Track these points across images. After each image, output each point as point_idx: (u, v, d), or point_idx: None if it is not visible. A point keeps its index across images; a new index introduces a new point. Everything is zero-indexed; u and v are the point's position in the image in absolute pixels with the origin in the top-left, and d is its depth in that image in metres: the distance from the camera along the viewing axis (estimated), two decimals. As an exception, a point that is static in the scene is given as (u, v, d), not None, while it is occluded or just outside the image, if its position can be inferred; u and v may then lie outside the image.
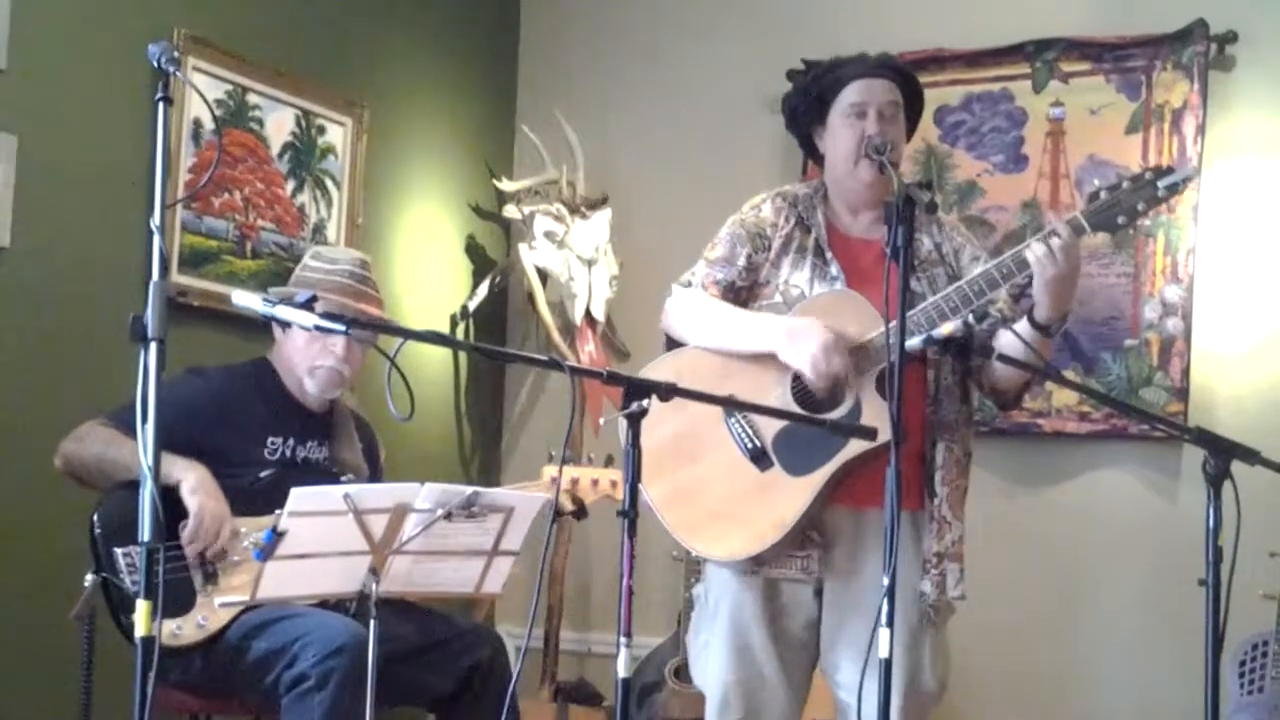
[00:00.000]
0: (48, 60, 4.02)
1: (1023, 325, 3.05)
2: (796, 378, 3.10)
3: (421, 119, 5.52)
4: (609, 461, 3.73)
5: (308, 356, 3.61)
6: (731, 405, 3.04)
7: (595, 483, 3.70)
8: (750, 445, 3.09)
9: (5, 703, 3.82)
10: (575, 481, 3.67)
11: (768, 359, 3.10)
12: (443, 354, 5.57)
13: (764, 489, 3.08)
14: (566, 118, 5.49)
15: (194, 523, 3.27)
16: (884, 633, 2.62)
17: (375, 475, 3.82)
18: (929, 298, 3.06)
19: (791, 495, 3.05)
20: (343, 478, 3.62)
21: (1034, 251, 2.95)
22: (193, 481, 3.30)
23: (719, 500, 3.12)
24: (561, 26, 5.94)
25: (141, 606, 2.21)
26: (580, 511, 3.68)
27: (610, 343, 5.55)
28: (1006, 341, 3.08)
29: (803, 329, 3.04)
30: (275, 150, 4.78)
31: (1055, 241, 2.94)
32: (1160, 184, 2.99)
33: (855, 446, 2.98)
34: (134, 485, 3.09)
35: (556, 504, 3.24)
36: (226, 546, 3.32)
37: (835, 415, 3.05)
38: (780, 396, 3.10)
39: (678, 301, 3.27)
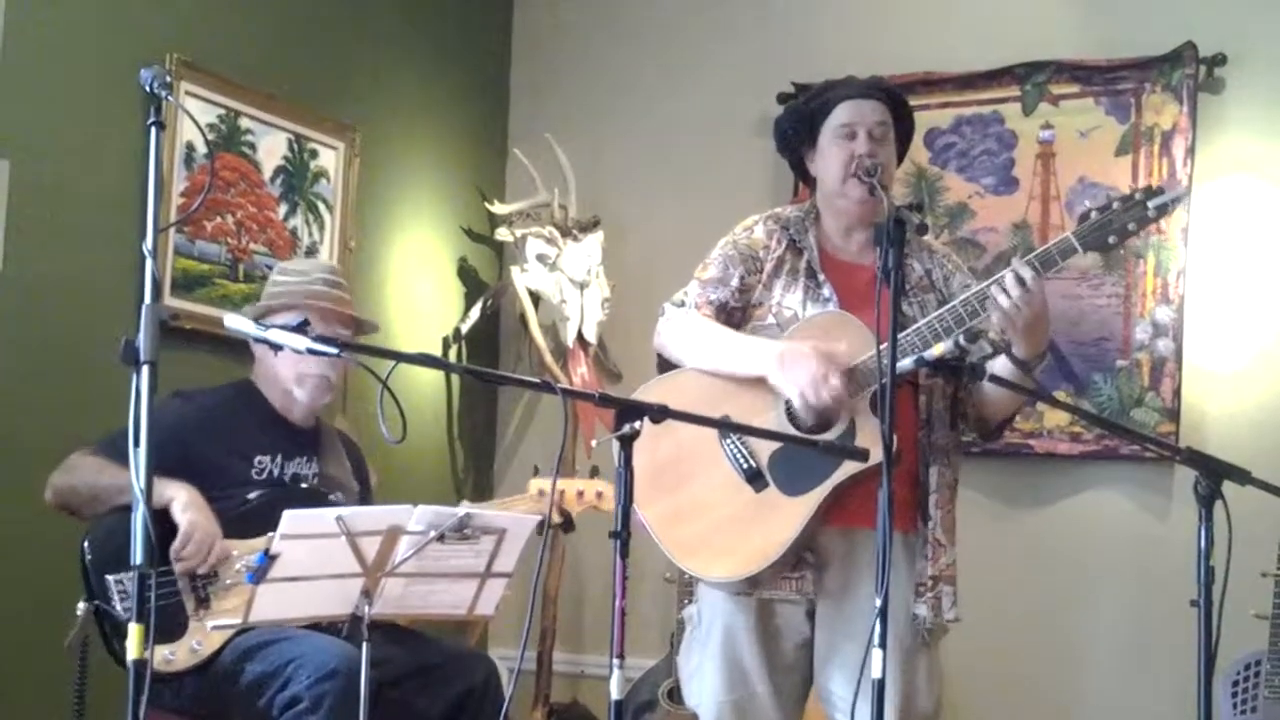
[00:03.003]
0: (40, 84, 4.03)
1: (1002, 363, 3.05)
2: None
3: (413, 142, 5.53)
4: (594, 472, 3.72)
5: (294, 365, 3.62)
6: (724, 427, 3.04)
7: (581, 494, 3.69)
8: (746, 466, 3.10)
9: (-3, 728, 3.82)
10: (561, 494, 3.66)
11: (762, 380, 3.10)
12: (435, 376, 5.58)
13: (760, 510, 3.08)
14: (558, 141, 5.50)
15: (181, 539, 3.26)
16: (876, 653, 2.62)
17: (365, 493, 3.83)
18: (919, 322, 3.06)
19: (787, 516, 3.05)
20: (331, 495, 3.62)
21: (999, 304, 2.95)
22: (184, 499, 3.30)
23: (715, 521, 3.12)
24: (553, 50, 5.96)
25: (133, 630, 2.20)
26: (567, 524, 3.68)
27: (602, 365, 5.55)
28: (997, 369, 3.08)
29: (796, 356, 3.04)
30: (267, 174, 4.79)
31: (1016, 292, 2.93)
32: (1150, 204, 3.00)
33: (849, 467, 2.98)
34: (124, 510, 3.10)
35: (547, 517, 3.25)
36: (218, 569, 3.32)
37: (829, 436, 3.06)
38: (775, 418, 3.10)
39: (671, 322, 3.27)
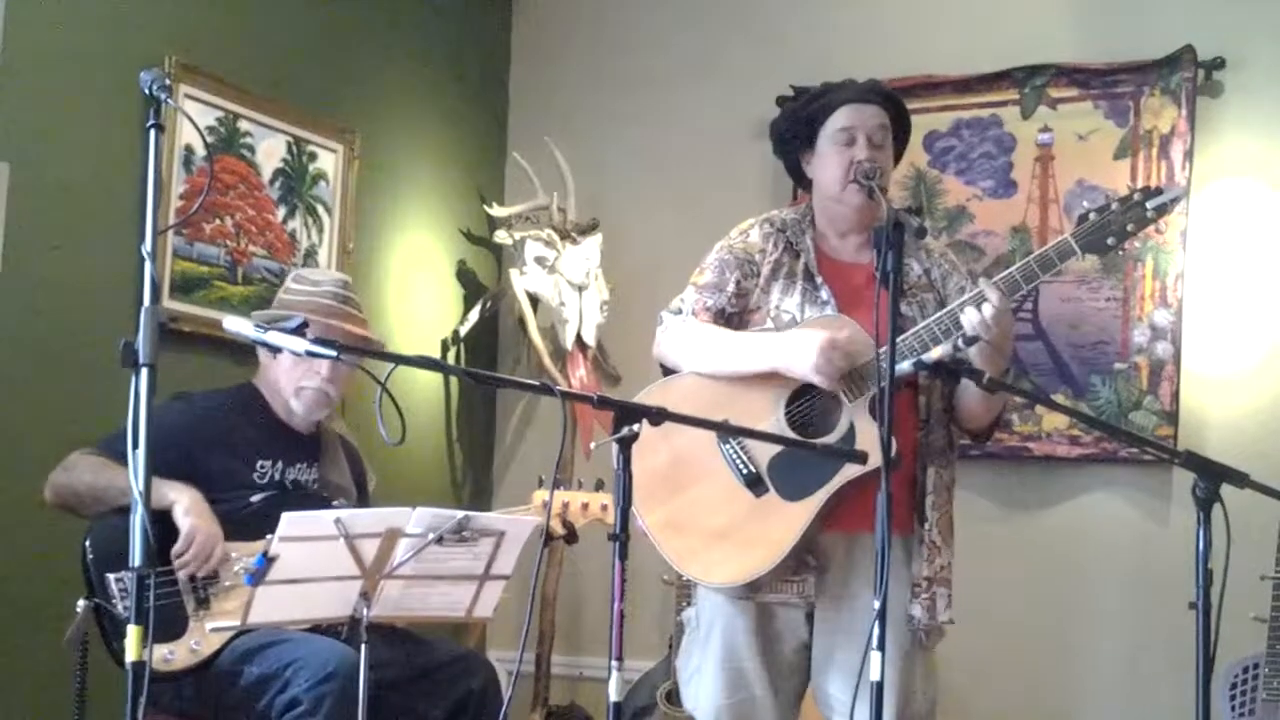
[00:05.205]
0: (40, 87, 4.02)
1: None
2: (790, 402, 3.11)
3: (412, 145, 5.53)
4: (599, 486, 3.73)
5: (294, 378, 3.62)
6: (724, 430, 3.04)
7: (585, 507, 3.69)
8: (745, 471, 3.09)
9: (-4, 729, 3.82)
10: (565, 506, 3.66)
11: (762, 385, 3.10)
12: (434, 379, 5.58)
13: (760, 514, 3.08)
14: (557, 144, 5.50)
15: (183, 543, 3.26)
16: (875, 655, 2.62)
17: (363, 499, 3.82)
18: (919, 322, 3.07)
19: (788, 520, 3.05)
20: (333, 501, 3.62)
21: (968, 319, 2.96)
22: (186, 503, 3.30)
23: (716, 526, 3.11)
24: (552, 53, 5.96)
25: (132, 632, 2.20)
26: (570, 536, 3.68)
27: (601, 367, 5.55)
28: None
29: (799, 338, 3.05)
30: (266, 176, 4.78)
31: (988, 309, 2.95)
32: (1149, 205, 3.01)
33: (849, 471, 2.98)
34: (127, 511, 3.10)
35: (547, 528, 3.25)
36: (218, 570, 3.32)
37: (829, 440, 3.06)
38: (775, 422, 3.10)
39: (670, 330, 3.27)
